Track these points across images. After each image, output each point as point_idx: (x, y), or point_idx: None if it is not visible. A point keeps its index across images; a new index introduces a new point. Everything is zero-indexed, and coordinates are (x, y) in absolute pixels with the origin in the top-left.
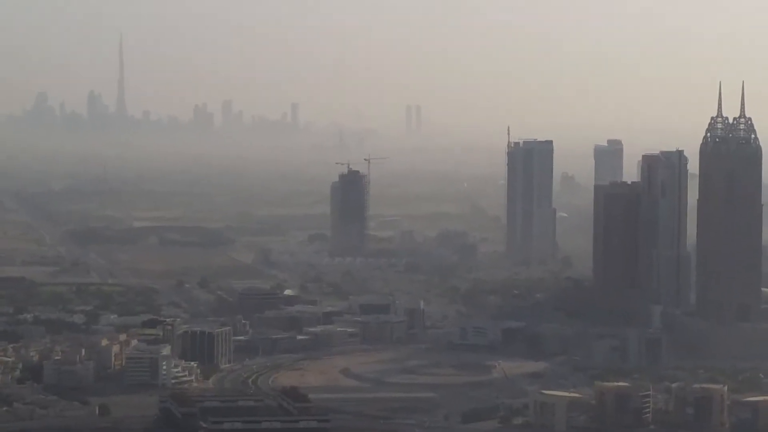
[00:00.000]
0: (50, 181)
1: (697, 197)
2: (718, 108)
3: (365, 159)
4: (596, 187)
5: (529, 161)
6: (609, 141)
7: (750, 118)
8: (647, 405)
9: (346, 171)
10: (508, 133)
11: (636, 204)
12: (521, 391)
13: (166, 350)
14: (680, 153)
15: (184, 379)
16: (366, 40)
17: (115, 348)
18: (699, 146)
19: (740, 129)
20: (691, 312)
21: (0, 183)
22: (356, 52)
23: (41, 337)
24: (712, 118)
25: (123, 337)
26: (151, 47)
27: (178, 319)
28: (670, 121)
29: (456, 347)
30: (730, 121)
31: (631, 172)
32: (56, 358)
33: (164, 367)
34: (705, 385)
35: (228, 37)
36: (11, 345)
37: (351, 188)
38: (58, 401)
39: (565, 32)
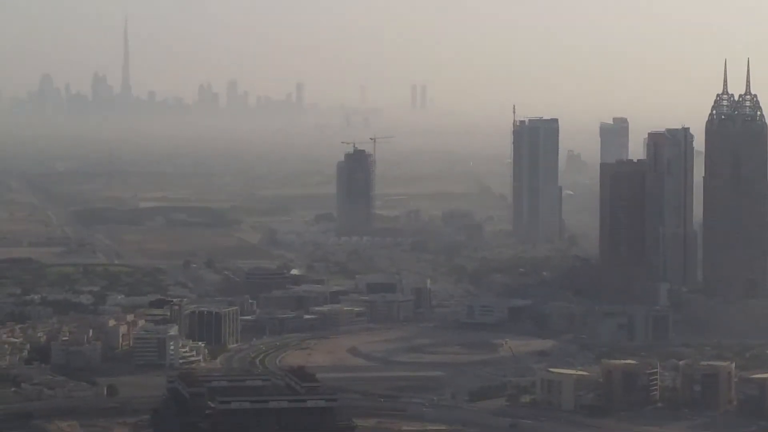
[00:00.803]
0: (55, 162)
1: (703, 175)
2: (724, 85)
3: (371, 138)
4: (602, 165)
5: (535, 139)
6: (614, 119)
7: (756, 95)
8: (654, 383)
9: (351, 150)
10: (514, 112)
11: (642, 182)
12: (528, 370)
13: (173, 330)
14: (686, 130)
15: (192, 359)
16: (370, 20)
17: (123, 328)
18: (705, 124)
19: (746, 106)
20: (697, 289)
21: (6, 165)
22: (360, 32)
23: (48, 317)
24: (717, 95)
25: (130, 317)
26: (156, 28)
27: (185, 299)
28: (675, 99)
29: (463, 326)
30: (736, 98)
31: (637, 150)
32: (64, 338)
33: (172, 348)
34: (712, 363)
35: (232, 18)
36: (19, 326)
37: (357, 168)
38: (66, 382)
39: (571, 11)
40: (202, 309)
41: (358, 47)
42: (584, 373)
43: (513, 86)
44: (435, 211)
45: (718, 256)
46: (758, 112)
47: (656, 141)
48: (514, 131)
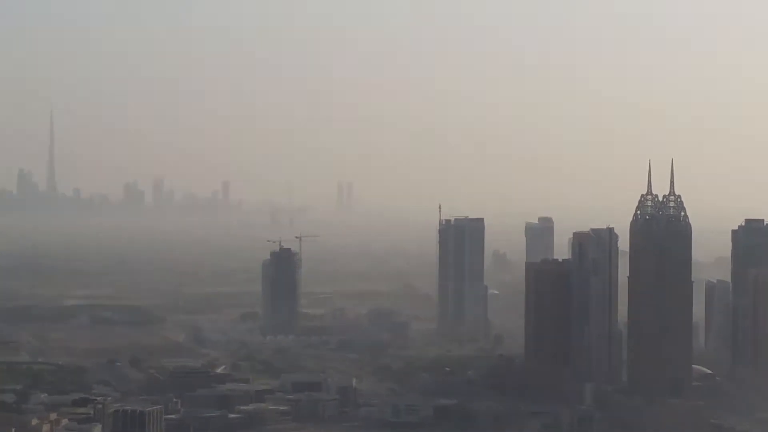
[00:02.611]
0: None
1: (627, 274)
2: (648, 185)
3: (297, 237)
4: (527, 265)
5: (461, 239)
6: (540, 218)
7: (679, 196)
8: None
9: (277, 249)
10: (440, 211)
11: (567, 281)
12: None
13: (97, 429)
14: (611, 230)
15: None
16: (297, 117)
17: (46, 427)
18: (629, 224)
19: (670, 206)
20: (623, 389)
21: None
22: (287, 129)
23: None
24: (642, 195)
25: (53, 416)
26: (82, 126)
27: (109, 398)
28: (600, 200)
29: (388, 425)
30: (660, 198)
31: (562, 250)
32: None
33: None
34: None
35: (158, 116)
36: None
37: (283, 266)
38: None
39: (495, 112)
40: (126, 408)
41: (285, 145)
42: None
43: (439, 185)
44: (361, 309)
45: (642, 356)
46: (682, 213)
47: (581, 241)
48: (439, 230)
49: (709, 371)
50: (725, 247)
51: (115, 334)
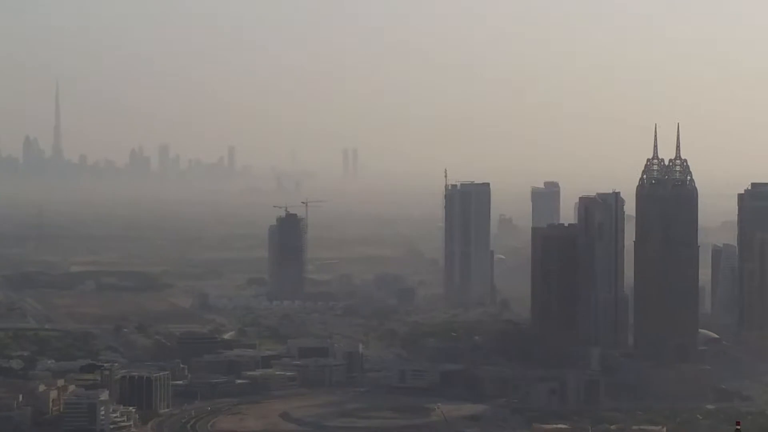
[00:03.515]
0: None
1: (633, 239)
2: (654, 150)
3: (303, 202)
4: (533, 230)
5: (467, 204)
6: (546, 183)
7: (685, 160)
8: None
9: (283, 214)
10: (446, 176)
11: (573, 246)
12: None
13: (104, 395)
14: (617, 195)
15: (123, 424)
16: (302, 83)
17: (53, 393)
18: (635, 188)
19: (676, 171)
20: (629, 353)
21: None
22: (292, 95)
23: None
24: (648, 159)
25: (61, 382)
26: (87, 92)
27: (116, 364)
28: (606, 164)
29: (395, 390)
30: (666, 162)
31: (568, 214)
32: None
33: (102, 413)
34: (643, 427)
35: (164, 82)
36: None
37: (289, 232)
38: None
39: (502, 77)
40: (133, 374)
41: (290, 111)
42: None
43: (445, 150)
44: (367, 275)
45: (648, 320)
46: (688, 177)
47: (587, 205)
48: (445, 195)
49: (715, 335)
50: (731, 212)
51: (122, 300)
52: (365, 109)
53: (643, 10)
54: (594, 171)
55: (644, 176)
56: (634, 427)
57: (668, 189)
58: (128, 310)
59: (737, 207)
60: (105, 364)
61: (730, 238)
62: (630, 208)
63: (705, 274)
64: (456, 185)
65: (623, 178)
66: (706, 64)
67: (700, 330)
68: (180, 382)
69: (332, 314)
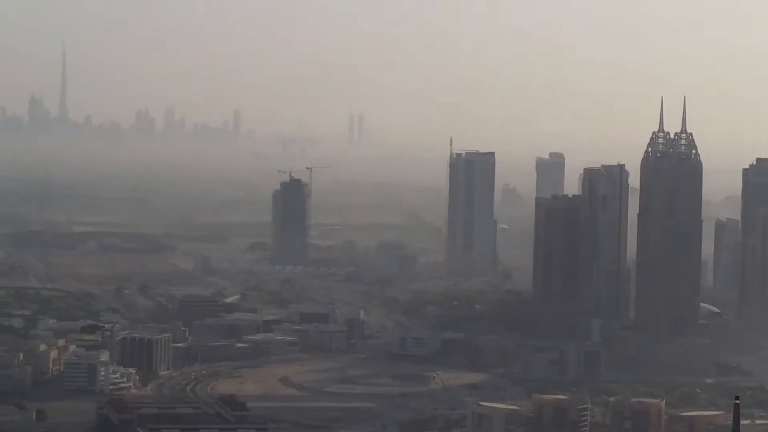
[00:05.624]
0: None
1: (637, 211)
2: (660, 123)
3: (307, 167)
4: (537, 200)
5: (471, 173)
6: (551, 154)
7: (691, 134)
8: (585, 418)
9: (287, 179)
10: (451, 144)
11: (576, 217)
12: (459, 403)
13: (104, 356)
14: (621, 167)
15: (123, 385)
16: (308, 48)
17: (54, 353)
18: (640, 161)
19: (681, 144)
20: (629, 326)
21: None
22: (298, 60)
23: None
24: (653, 132)
25: (61, 342)
26: (94, 53)
27: (117, 325)
28: (611, 136)
29: (395, 357)
30: (672, 136)
31: (572, 186)
32: None
33: (102, 373)
34: (642, 399)
35: (170, 45)
36: None
37: (292, 196)
38: None
39: (509, 46)
40: (134, 335)
41: (296, 75)
42: (515, 407)
43: (450, 119)
44: (369, 242)
45: (650, 293)
46: (693, 151)
47: (592, 177)
48: (450, 164)
49: (716, 310)
50: (736, 186)
51: (124, 262)
52: (373, 75)
53: None
54: (599, 143)
55: (649, 149)
56: (633, 399)
57: (673, 162)
58: (130, 272)
59: (742, 182)
60: (106, 325)
61: (734, 212)
62: (634, 180)
63: (708, 248)
64: (461, 154)
65: (628, 151)
66: (714, 37)
67: (701, 304)
68: (180, 344)
69: (334, 280)
